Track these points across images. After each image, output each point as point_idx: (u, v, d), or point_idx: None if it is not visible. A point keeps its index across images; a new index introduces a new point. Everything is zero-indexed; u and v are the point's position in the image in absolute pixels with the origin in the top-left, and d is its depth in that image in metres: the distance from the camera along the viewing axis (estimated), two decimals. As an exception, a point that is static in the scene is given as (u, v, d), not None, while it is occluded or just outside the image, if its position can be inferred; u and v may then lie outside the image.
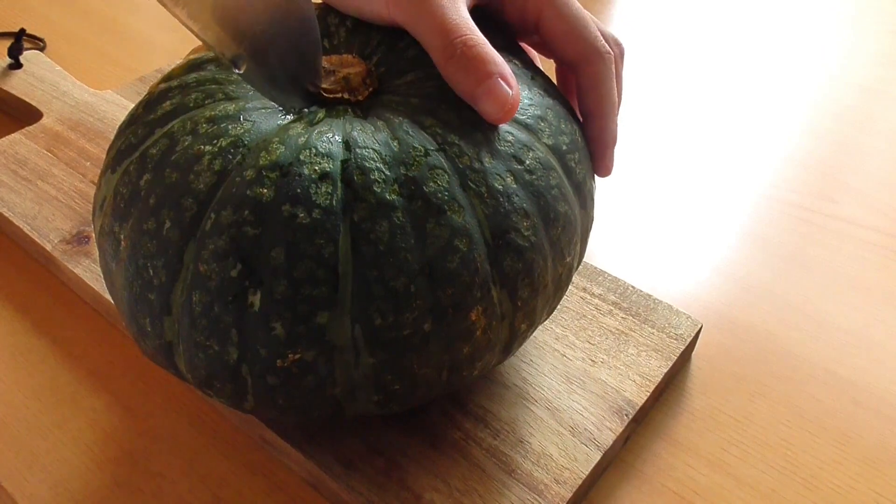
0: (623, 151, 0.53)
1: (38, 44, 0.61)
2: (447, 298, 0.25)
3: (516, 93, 0.27)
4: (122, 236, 0.27)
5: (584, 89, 0.31)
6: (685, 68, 0.63)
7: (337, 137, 0.26)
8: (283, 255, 0.24)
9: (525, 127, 0.28)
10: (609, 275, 0.39)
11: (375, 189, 0.25)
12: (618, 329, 0.37)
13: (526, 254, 0.26)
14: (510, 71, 0.27)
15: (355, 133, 0.26)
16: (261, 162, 0.25)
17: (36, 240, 0.41)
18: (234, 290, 0.24)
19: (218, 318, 0.25)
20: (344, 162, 0.25)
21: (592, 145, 0.32)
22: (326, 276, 0.24)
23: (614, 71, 0.31)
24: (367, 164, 0.25)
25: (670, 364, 0.35)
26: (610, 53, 0.31)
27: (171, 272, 0.25)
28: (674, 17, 0.70)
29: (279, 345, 0.25)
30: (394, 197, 0.25)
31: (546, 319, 0.31)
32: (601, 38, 0.30)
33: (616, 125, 0.32)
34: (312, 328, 0.24)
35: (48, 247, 0.41)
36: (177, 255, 0.25)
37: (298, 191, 0.24)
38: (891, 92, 0.60)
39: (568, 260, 0.29)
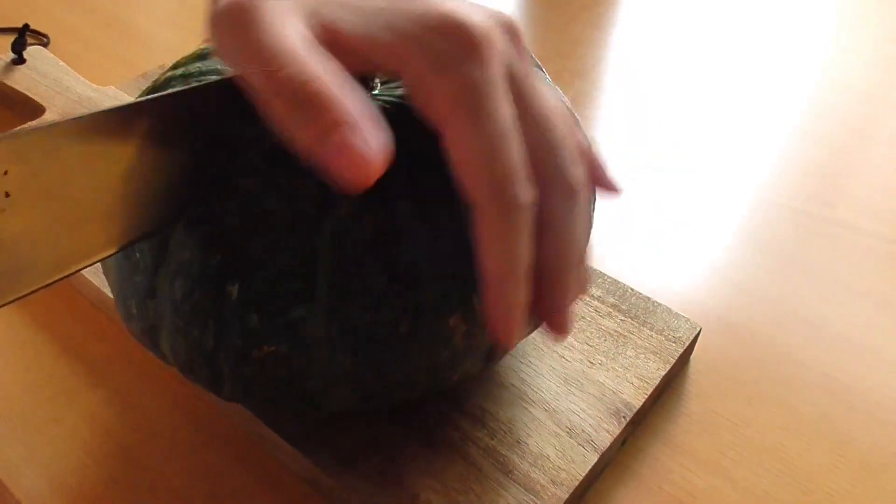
0: (623, 154, 0.53)
1: (42, 39, 0.61)
2: (426, 302, 0.25)
3: (378, 146, 0.19)
4: None
5: (475, 240, 0.22)
6: (684, 72, 0.63)
7: None
8: (262, 248, 0.24)
9: None
10: (608, 277, 0.39)
11: None
12: (616, 331, 0.37)
13: None
14: (373, 111, 0.20)
15: None
16: (252, 153, 0.25)
17: (36, 234, 0.41)
18: (213, 278, 0.24)
19: (197, 305, 0.25)
20: None
21: (487, 313, 0.22)
22: (304, 272, 0.24)
23: (509, 229, 0.21)
24: None
25: (668, 367, 0.35)
26: (511, 203, 0.21)
27: (156, 257, 0.25)
28: (674, 20, 0.70)
29: (254, 336, 0.25)
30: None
31: (535, 330, 0.31)
32: (506, 178, 0.20)
33: (516, 294, 0.22)
34: (287, 322, 0.24)
35: (48, 241, 0.41)
36: (163, 241, 0.25)
37: (283, 184, 0.25)
38: (891, 97, 0.61)
39: None
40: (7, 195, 0.19)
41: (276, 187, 0.25)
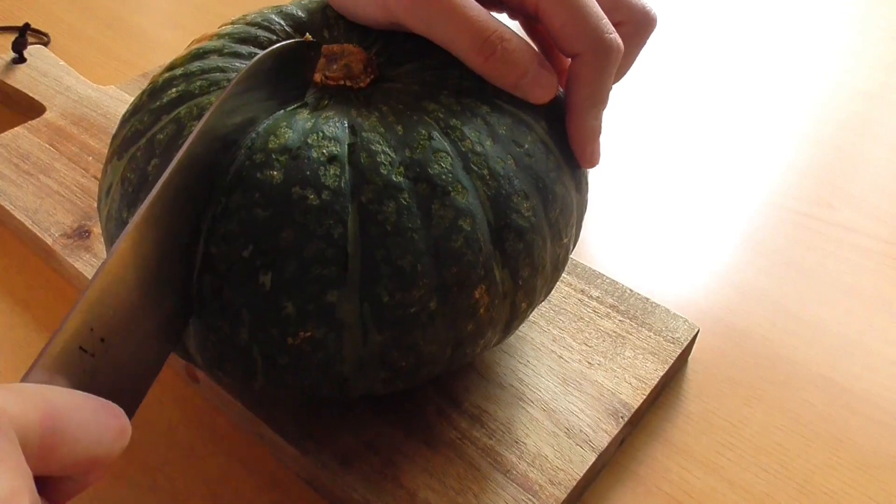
0: (623, 155, 0.53)
1: (43, 38, 0.61)
2: (452, 277, 0.26)
3: (552, 71, 0.28)
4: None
5: (569, 82, 0.29)
6: (687, 73, 0.63)
7: (343, 122, 0.27)
8: (294, 236, 0.25)
9: (524, 111, 0.29)
10: (607, 277, 0.40)
11: (382, 171, 0.25)
12: (615, 332, 0.37)
13: (527, 234, 0.27)
14: (539, 53, 0.28)
15: (360, 118, 0.27)
16: (270, 145, 0.26)
17: (37, 234, 0.41)
18: (245, 270, 0.25)
19: (229, 298, 0.25)
20: (351, 145, 0.26)
21: (570, 139, 0.30)
22: (336, 256, 0.25)
23: (607, 67, 0.29)
24: (373, 147, 0.26)
25: (666, 367, 0.35)
26: (610, 47, 0.28)
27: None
28: (675, 20, 0.71)
29: (290, 323, 0.25)
30: (400, 179, 0.25)
31: (544, 299, 0.32)
32: (601, 29, 0.28)
33: (598, 120, 0.30)
34: (322, 306, 0.25)
35: (49, 241, 0.41)
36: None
37: (308, 173, 0.25)
38: (890, 98, 0.61)
39: (565, 241, 0.30)
40: (102, 340, 0.20)
41: (301, 177, 0.25)
